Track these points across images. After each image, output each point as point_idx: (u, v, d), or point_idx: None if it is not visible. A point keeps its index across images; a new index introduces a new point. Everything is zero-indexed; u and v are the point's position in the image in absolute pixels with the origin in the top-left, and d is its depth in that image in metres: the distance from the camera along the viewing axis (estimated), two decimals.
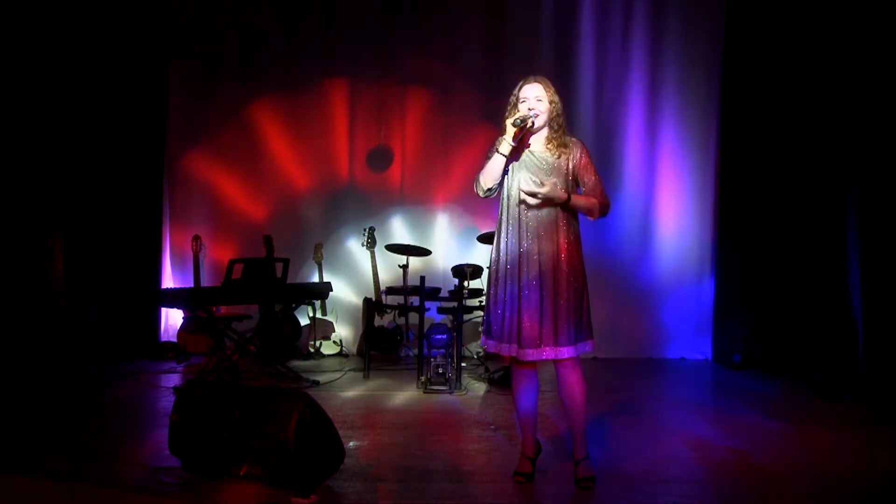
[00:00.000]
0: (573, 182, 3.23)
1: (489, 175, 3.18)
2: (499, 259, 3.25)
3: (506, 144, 3.13)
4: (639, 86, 6.64)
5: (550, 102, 3.20)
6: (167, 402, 4.50)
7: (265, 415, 3.19)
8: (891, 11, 4.84)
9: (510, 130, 3.12)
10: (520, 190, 3.14)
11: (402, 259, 6.20)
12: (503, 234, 3.23)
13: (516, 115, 3.14)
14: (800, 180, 5.70)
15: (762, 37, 6.02)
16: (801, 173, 5.70)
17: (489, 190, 3.20)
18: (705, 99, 6.59)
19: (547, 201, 3.13)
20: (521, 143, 3.20)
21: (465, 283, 5.56)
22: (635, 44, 6.62)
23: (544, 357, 3.15)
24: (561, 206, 3.15)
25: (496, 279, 3.25)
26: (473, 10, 6.69)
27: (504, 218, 3.24)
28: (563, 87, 6.36)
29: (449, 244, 6.75)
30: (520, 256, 3.17)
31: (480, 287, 6.02)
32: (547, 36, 6.64)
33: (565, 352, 3.14)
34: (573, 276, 3.16)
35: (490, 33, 6.68)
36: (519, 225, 3.18)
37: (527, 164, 3.21)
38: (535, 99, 3.19)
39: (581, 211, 3.22)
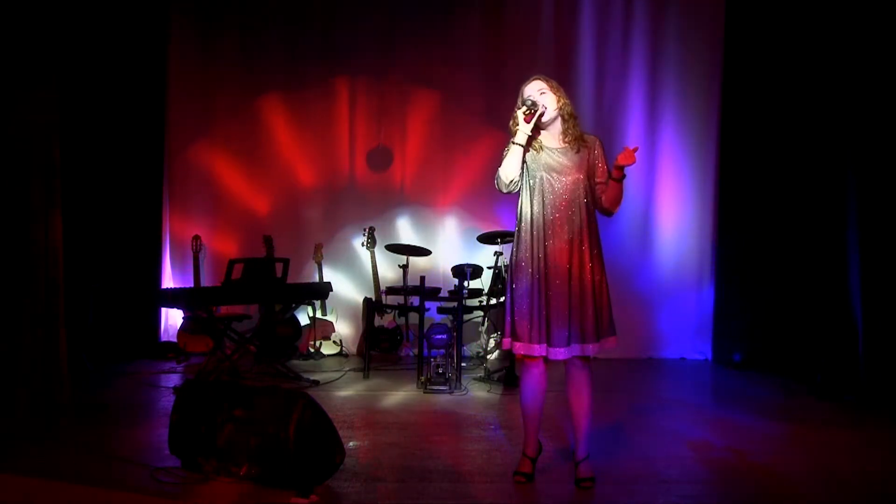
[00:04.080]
0: (589, 177, 3.22)
1: (509, 167, 3.15)
2: (518, 255, 3.23)
3: (521, 133, 3.13)
4: (639, 86, 6.64)
5: (555, 92, 3.21)
6: (167, 402, 4.49)
7: (265, 415, 3.19)
8: (890, 12, 4.84)
9: (521, 118, 3.12)
10: (615, 167, 3.14)
11: (402, 259, 6.20)
12: (523, 231, 3.22)
13: (525, 103, 3.14)
14: (800, 180, 5.70)
15: (762, 36, 6.02)
16: (800, 173, 5.69)
17: (511, 182, 3.17)
18: (705, 99, 6.58)
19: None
20: (534, 131, 3.19)
21: (465, 283, 5.56)
22: (635, 44, 6.62)
23: (561, 357, 3.14)
24: (616, 181, 3.16)
25: (514, 276, 3.23)
26: (473, 10, 6.69)
27: (523, 215, 3.22)
28: (563, 86, 6.35)
29: (449, 244, 6.75)
30: (539, 253, 3.16)
31: (480, 287, 6.03)
32: (547, 36, 6.65)
33: (590, 349, 3.15)
34: (593, 272, 3.16)
35: (490, 33, 6.68)
36: (538, 222, 3.17)
37: (545, 161, 3.21)
38: (538, 93, 3.20)
39: (614, 197, 3.21)
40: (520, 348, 3.20)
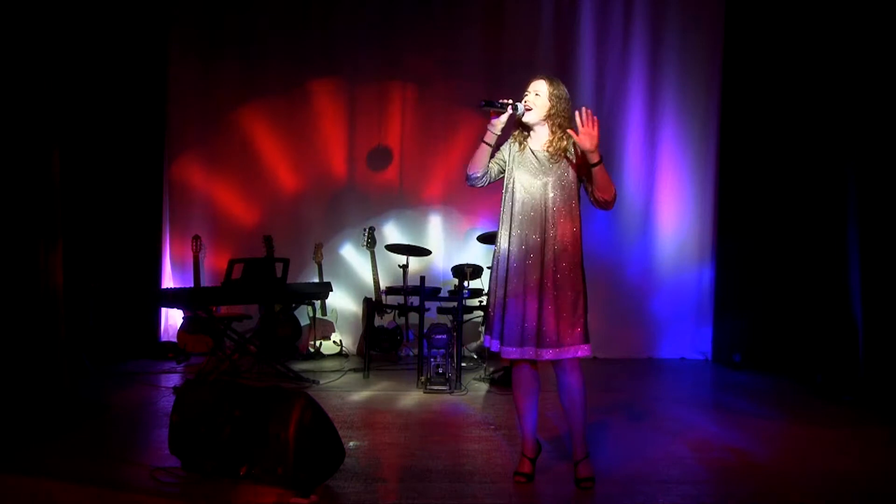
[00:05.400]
0: (576, 181, 3.22)
1: (472, 162, 3.26)
2: (498, 258, 3.27)
3: (488, 132, 3.22)
4: (639, 86, 6.65)
5: (550, 99, 3.20)
6: (167, 402, 4.50)
7: (265, 415, 3.19)
8: (890, 11, 4.84)
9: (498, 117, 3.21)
10: (575, 133, 3.10)
11: (402, 259, 6.20)
12: (503, 234, 3.26)
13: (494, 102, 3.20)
14: (800, 180, 5.71)
15: (762, 36, 6.03)
16: (800, 173, 5.70)
17: (474, 177, 3.27)
18: (705, 98, 6.59)
19: (590, 149, 3.06)
20: (524, 128, 3.25)
21: (465, 283, 5.56)
22: (635, 44, 6.63)
23: (541, 357, 3.15)
24: (592, 167, 3.10)
25: (496, 278, 3.27)
26: (473, 9, 6.70)
27: (504, 217, 3.25)
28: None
29: (449, 244, 6.75)
30: (518, 255, 3.18)
31: (480, 287, 6.03)
32: (547, 36, 6.66)
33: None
34: (571, 277, 3.16)
35: (490, 33, 6.68)
36: (518, 224, 3.19)
37: (526, 163, 3.23)
38: (533, 93, 3.23)
39: (602, 184, 3.14)
40: (489, 343, 3.30)
